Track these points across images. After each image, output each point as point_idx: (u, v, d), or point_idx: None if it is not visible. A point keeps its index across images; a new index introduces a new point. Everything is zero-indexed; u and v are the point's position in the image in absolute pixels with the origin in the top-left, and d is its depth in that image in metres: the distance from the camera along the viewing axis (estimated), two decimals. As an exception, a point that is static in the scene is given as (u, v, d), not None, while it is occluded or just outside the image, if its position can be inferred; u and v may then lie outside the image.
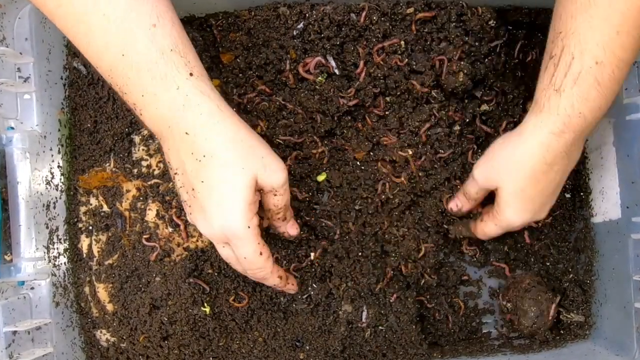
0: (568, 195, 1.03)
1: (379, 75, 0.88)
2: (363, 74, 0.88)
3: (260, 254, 0.75)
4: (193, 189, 0.71)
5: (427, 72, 0.88)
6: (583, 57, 0.66)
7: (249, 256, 0.75)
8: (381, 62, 0.87)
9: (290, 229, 0.84)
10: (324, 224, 0.93)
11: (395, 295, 0.94)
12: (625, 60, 0.67)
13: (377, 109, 0.91)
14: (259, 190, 0.74)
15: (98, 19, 0.65)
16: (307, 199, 0.92)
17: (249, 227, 0.71)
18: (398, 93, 0.89)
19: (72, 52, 0.96)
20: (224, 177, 0.69)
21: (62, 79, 0.95)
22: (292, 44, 0.89)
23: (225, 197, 0.70)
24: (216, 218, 0.71)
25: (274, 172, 0.73)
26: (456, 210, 0.92)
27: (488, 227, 0.88)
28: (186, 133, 0.68)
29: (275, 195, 0.76)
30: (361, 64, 0.87)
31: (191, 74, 0.68)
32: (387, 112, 0.92)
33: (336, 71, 0.89)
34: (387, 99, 0.90)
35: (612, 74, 0.67)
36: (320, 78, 0.89)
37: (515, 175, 0.79)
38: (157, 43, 0.66)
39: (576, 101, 0.70)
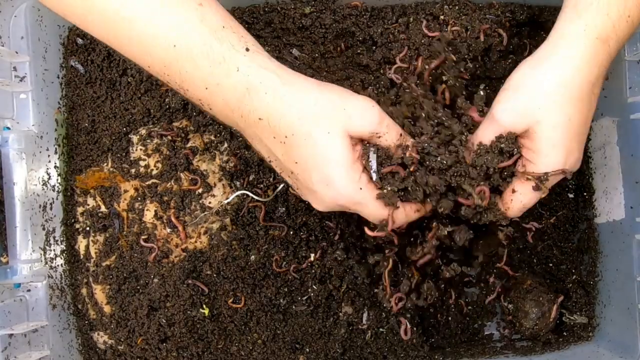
0: (571, 196, 1.02)
1: None
2: None
3: (385, 205, 0.67)
4: (292, 172, 0.67)
5: None
6: None
7: (373, 214, 0.68)
8: None
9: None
10: (324, 225, 0.92)
11: (396, 296, 0.93)
12: None
13: None
14: (361, 141, 0.67)
15: (140, 10, 0.61)
16: None
17: (360, 189, 0.65)
18: None
19: (68, 50, 0.95)
20: (313, 152, 0.63)
21: (58, 78, 0.95)
22: None
23: (325, 172, 0.64)
24: (326, 196, 0.66)
25: (362, 117, 0.65)
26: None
27: (525, 189, 0.69)
28: (259, 119, 0.64)
29: (379, 137, 0.67)
30: None
31: (247, 49, 0.64)
32: None
33: None
34: None
35: None
36: None
37: (560, 100, 0.64)
38: (207, 22, 0.62)
39: (603, 9, 0.61)
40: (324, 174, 0.64)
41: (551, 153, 0.66)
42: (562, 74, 0.64)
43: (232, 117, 0.66)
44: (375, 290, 0.93)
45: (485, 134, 0.69)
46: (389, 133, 0.67)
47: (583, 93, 0.64)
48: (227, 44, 0.63)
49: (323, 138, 0.63)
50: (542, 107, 0.65)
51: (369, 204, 0.67)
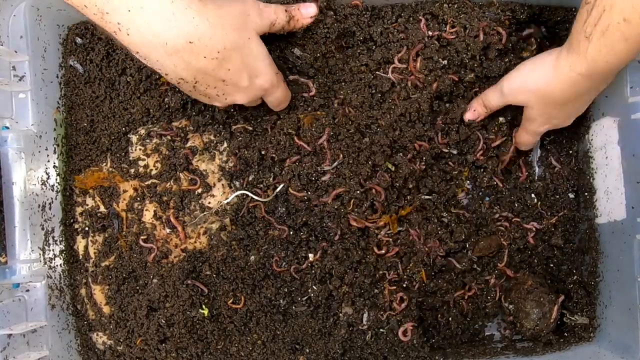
0: (572, 196, 1.02)
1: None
2: None
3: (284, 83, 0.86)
4: (223, 80, 0.76)
5: None
6: (612, 11, 0.66)
7: (282, 92, 0.86)
8: None
9: (310, 8, 0.88)
10: (324, 225, 0.91)
11: (397, 297, 0.92)
12: None
13: None
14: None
15: None
16: (307, 197, 0.91)
17: (276, 74, 0.82)
18: None
19: (68, 50, 0.95)
20: (242, 55, 0.75)
21: (57, 77, 0.94)
22: None
23: (253, 66, 0.78)
24: (254, 86, 0.80)
25: (263, 15, 0.80)
26: (474, 118, 0.95)
27: (523, 137, 0.95)
28: (190, 42, 0.69)
29: (274, 24, 0.82)
30: None
31: None
32: None
33: None
34: None
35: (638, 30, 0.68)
36: None
37: (545, 102, 0.85)
38: None
39: (603, 50, 0.72)
40: (253, 69, 0.78)
41: (534, 124, 0.91)
42: (553, 89, 0.82)
43: (154, 43, 0.68)
44: (376, 290, 0.93)
45: (492, 98, 0.92)
46: (279, 17, 0.83)
47: (566, 102, 0.85)
48: None
49: (246, 43, 0.76)
50: (533, 100, 0.87)
51: (280, 84, 0.85)
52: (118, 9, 0.66)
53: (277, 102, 0.88)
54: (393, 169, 0.91)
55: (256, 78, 0.79)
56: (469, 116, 0.95)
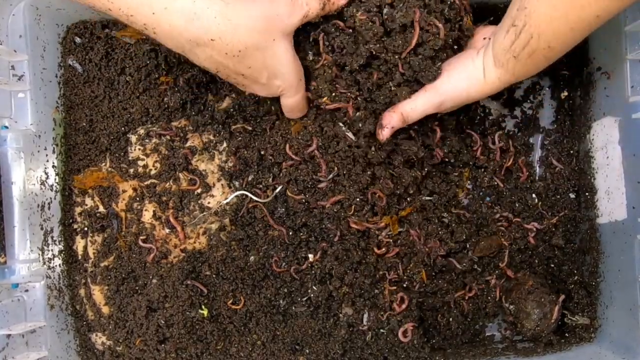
0: (573, 196, 1.02)
1: None
2: None
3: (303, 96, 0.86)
4: (243, 75, 0.78)
5: None
6: (540, 40, 0.73)
7: (301, 100, 0.86)
8: None
9: None
10: (324, 226, 0.91)
11: (397, 297, 0.92)
12: (570, 47, 0.75)
13: None
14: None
15: None
16: (305, 200, 0.91)
17: (300, 80, 0.83)
18: None
19: (67, 49, 0.95)
20: (264, 56, 0.76)
21: (57, 77, 0.94)
22: None
23: (274, 68, 0.78)
24: (273, 86, 0.81)
25: (292, 13, 0.78)
26: (389, 135, 0.83)
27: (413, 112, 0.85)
28: (212, 39, 0.71)
29: (306, 16, 0.80)
30: None
31: None
32: None
33: None
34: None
35: (559, 54, 0.76)
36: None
37: (461, 102, 0.85)
38: None
39: (529, 69, 0.79)
40: (275, 71, 0.79)
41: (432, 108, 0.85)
42: (476, 93, 0.83)
43: (178, 40, 0.72)
44: (376, 291, 0.92)
45: (420, 104, 0.83)
46: (311, 6, 0.80)
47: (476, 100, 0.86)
48: None
49: (270, 45, 0.76)
50: (455, 102, 0.84)
51: (299, 93, 0.84)
52: (142, 11, 0.70)
53: (290, 108, 0.87)
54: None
55: (275, 79, 0.80)
56: (386, 135, 0.82)
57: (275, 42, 0.76)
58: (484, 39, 0.87)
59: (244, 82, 0.80)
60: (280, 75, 0.80)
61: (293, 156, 0.90)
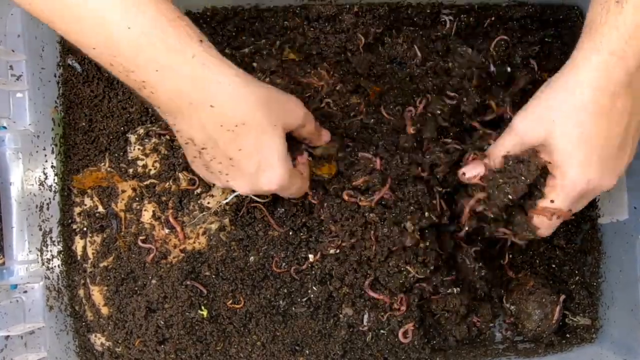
0: (574, 196, 1.01)
1: None
2: None
3: (299, 178, 0.79)
4: (231, 158, 0.71)
5: None
6: None
7: (296, 191, 0.81)
8: None
9: (325, 136, 0.84)
10: (323, 228, 0.91)
11: (397, 298, 0.92)
12: None
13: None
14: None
15: None
16: (303, 202, 0.90)
17: (289, 172, 0.75)
18: None
19: (66, 49, 0.95)
20: (260, 140, 0.70)
21: (55, 76, 0.94)
22: None
23: (267, 157, 0.71)
24: (261, 179, 0.73)
25: (295, 113, 0.75)
26: (472, 176, 0.78)
27: (551, 204, 0.73)
28: (211, 106, 0.66)
29: (304, 127, 0.78)
30: None
31: (201, 41, 0.65)
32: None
33: None
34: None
35: None
36: None
37: (572, 115, 0.67)
38: (164, 12, 0.63)
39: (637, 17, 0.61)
40: (266, 162, 0.72)
41: (566, 165, 0.69)
42: (575, 89, 0.66)
43: (177, 102, 0.67)
44: (374, 295, 0.92)
45: (504, 143, 0.75)
46: (309, 123, 0.78)
47: (599, 106, 0.66)
48: (183, 32, 0.64)
49: (270, 129, 0.70)
50: (556, 119, 0.68)
51: (295, 185, 0.78)
52: (145, 68, 0.64)
53: (289, 196, 0.84)
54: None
55: (264, 172, 0.72)
56: (468, 174, 0.78)
57: (275, 128, 0.71)
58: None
59: (229, 171, 0.73)
60: (270, 167, 0.72)
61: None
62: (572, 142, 0.68)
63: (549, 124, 0.69)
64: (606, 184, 0.70)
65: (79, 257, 0.93)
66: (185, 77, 0.64)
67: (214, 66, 0.66)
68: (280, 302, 0.92)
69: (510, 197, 0.74)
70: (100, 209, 0.93)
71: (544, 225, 0.76)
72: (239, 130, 0.68)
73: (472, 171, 0.79)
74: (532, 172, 0.72)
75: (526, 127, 0.72)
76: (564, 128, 0.68)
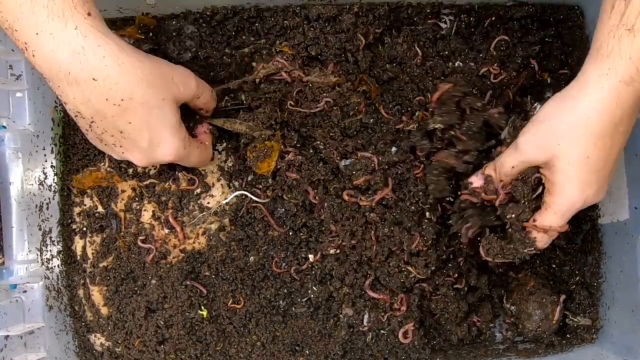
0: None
1: None
2: None
3: (198, 148, 0.82)
4: (121, 132, 0.72)
5: None
6: None
7: (197, 161, 0.83)
8: None
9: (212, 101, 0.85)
10: (324, 228, 0.91)
11: (397, 298, 0.92)
12: None
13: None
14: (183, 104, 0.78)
15: None
16: (302, 203, 0.90)
17: (184, 148, 0.77)
18: None
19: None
20: (149, 114, 0.71)
21: (55, 76, 0.93)
22: None
23: (158, 131, 0.73)
24: (155, 152, 0.74)
25: (186, 85, 0.76)
26: (478, 185, 0.80)
27: (547, 220, 0.74)
28: (94, 79, 0.66)
29: (198, 97, 0.80)
30: None
31: (89, 14, 0.65)
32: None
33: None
34: None
35: None
36: None
37: (578, 138, 0.68)
38: None
39: None
40: (158, 135, 0.73)
41: (567, 187, 0.71)
42: (583, 115, 0.68)
43: (55, 70, 0.66)
44: (374, 295, 0.92)
45: (508, 161, 0.76)
46: (205, 93, 0.81)
47: (604, 132, 0.68)
48: (69, 3, 0.64)
49: (158, 104, 0.71)
50: (561, 143, 0.70)
51: (192, 154, 0.80)
52: (27, 29, 0.64)
53: (192, 165, 0.86)
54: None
55: (158, 146, 0.74)
56: (475, 183, 0.80)
57: (164, 101, 0.72)
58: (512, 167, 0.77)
59: (122, 143, 0.73)
60: (162, 141, 0.74)
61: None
62: (575, 165, 0.70)
63: (554, 148, 0.70)
64: (600, 198, 0.74)
65: (78, 257, 0.93)
66: (63, 45, 0.64)
67: (95, 39, 0.65)
68: (280, 302, 0.92)
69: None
70: (100, 209, 0.93)
71: (542, 239, 0.79)
72: (126, 105, 0.69)
73: (478, 182, 0.81)
74: (528, 191, 0.77)
75: (532, 146, 0.73)
76: (568, 151, 0.70)
